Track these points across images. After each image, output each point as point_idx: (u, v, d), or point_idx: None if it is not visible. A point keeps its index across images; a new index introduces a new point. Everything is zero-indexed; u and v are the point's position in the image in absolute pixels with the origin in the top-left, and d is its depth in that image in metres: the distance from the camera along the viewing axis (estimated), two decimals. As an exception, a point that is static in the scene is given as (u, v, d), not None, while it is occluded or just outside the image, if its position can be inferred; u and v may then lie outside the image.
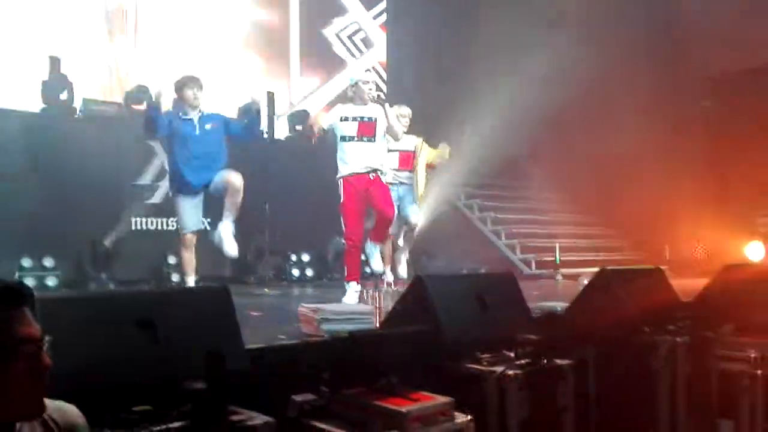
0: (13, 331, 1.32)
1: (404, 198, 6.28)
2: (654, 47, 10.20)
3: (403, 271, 6.39)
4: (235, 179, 5.10)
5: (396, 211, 5.57)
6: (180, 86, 5.22)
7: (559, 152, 9.03)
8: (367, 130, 5.10)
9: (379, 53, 11.32)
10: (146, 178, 7.28)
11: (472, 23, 10.57)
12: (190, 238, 5.20)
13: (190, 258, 5.21)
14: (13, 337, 1.32)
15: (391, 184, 5.97)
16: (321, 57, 10.63)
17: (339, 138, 5.12)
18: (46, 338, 1.38)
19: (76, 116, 7.29)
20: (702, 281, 4.32)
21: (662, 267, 4.58)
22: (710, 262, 7.78)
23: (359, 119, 5.09)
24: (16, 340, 1.32)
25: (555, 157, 9.15)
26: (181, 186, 5.20)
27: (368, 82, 5.22)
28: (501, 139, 10.77)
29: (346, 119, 5.11)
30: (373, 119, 5.11)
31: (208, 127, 5.21)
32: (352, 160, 5.07)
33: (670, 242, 9.26)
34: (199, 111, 5.24)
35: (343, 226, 5.09)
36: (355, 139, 5.07)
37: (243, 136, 5.44)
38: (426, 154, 6.52)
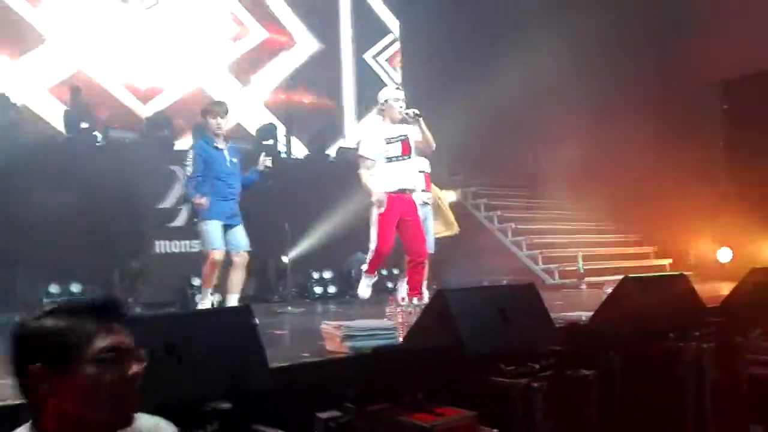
0: (97, 341, 1.37)
1: (425, 221, 6.14)
2: (669, 51, 10.15)
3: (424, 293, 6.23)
4: (244, 258, 5.16)
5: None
6: (205, 113, 5.24)
7: (578, 159, 8.98)
8: (407, 147, 5.11)
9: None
10: (169, 202, 7.38)
11: (484, 35, 10.60)
12: (220, 256, 5.07)
13: (212, 277, 5.12)
14: (97, 348, 1.36)
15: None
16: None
17: (385, 160, 5.06)
18: (140, 350, 1.42)
19: (98, 144, 7.43)
20: (728, 286, 4.27)
21: (687, 272, 4.53)
22: (736, 266, 7.67)
23: (400, 138, 5.09)
24: (98, 351, 1.36)
25: (574, 164, 9.10)
26: (217, 213, 5.07)
27: (399, 99, 5.12)
28: (518, 149, 10.79)
29: (391, 140, 5.08)
30: (407, 136, 5.12)
31: (234, 160, 5.26)
32: (399, 177, 5.06)
33: (694, 247, 9.16)
34: (225, 141, 5.26)
35: (374, 236, 4.99)
36: (400, 158, 5.08)
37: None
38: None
